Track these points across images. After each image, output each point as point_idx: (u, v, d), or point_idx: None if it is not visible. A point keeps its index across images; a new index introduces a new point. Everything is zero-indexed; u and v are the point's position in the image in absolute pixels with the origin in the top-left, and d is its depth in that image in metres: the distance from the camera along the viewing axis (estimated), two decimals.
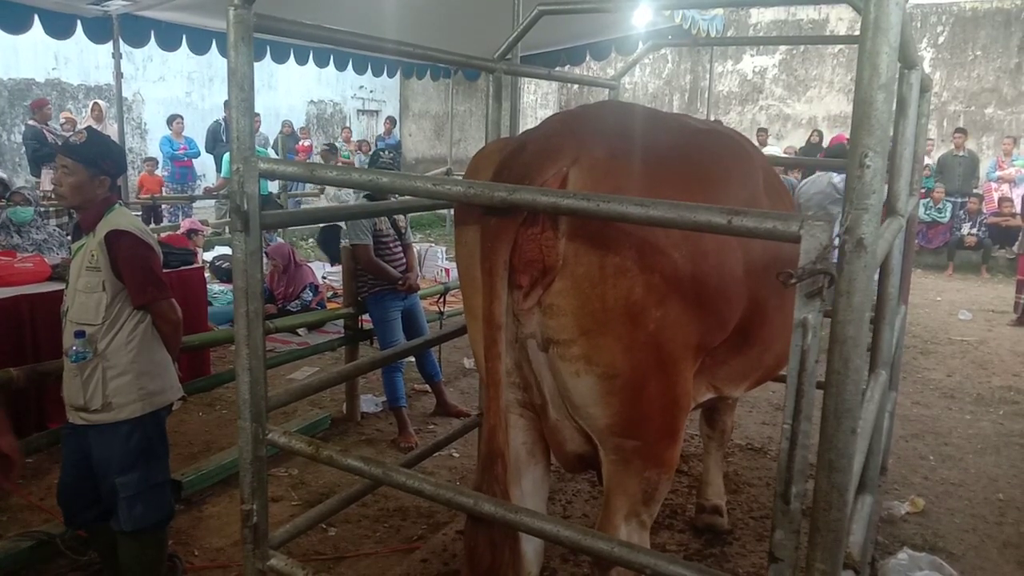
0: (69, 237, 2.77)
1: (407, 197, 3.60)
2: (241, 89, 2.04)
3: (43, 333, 4.36)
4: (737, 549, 3.39)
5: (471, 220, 2.28)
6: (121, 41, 7.00)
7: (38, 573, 3.21)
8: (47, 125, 9.26)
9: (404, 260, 4.90)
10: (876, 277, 1.93)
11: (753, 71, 15.25)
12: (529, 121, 15.15)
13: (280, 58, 7.93)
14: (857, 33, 1.46)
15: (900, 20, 1.40)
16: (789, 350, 2.57)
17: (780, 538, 1.50)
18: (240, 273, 2.07)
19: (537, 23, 3.12)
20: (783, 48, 14.91)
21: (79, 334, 2.66)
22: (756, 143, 2.96)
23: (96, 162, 2.74)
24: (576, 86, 16.23)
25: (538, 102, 16.98)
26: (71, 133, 2.95)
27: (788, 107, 15.05)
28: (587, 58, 8.65)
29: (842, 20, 14.14)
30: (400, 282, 4.76)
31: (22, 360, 3.93)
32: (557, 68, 7.99)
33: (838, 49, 14.42)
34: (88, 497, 2.88)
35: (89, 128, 2.90)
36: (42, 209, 6.68)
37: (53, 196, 2.86)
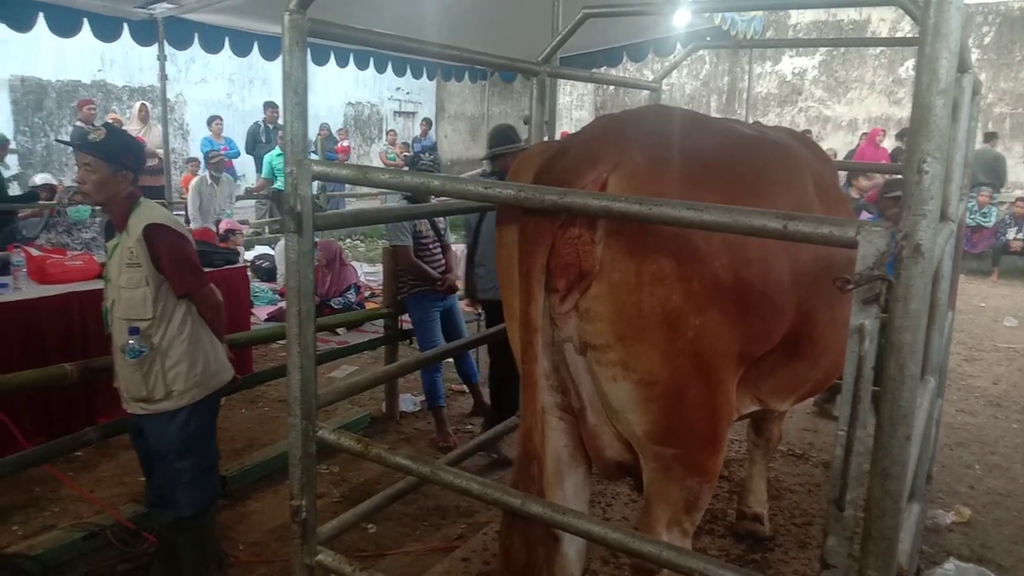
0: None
1: (449, 199, 3.64)
2: (295, 93, 2.08)
3: (92, 329, 4.46)
4: (779, 555, 3.36)
5: (511, 222, 2.29)
6: (166, 43, 7.15)
7: (89, 563, 3.29)
8: (93, 126, 9.47)
9: (443, 261, 4.94)
10: None
11: (792, 72, 15.07)
12: (564, 122, 15.13)
13: (321, 60, 8.04)
14: (899, 35, 1.45)
15: (960, 25, 1.38)
16: (839, 364, 2.56)
17: (833, 544, 1.49)
18: (293, 273, 2.11)
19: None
20: (823, 49, 14.73)
21: (133, 330, 2.72)
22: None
23: (117, 158, 2.77)
24: (612, 87, 16.19)
25: (573, 103, 16.96)
26: (90, 130, 3.00)
27: (828, 109, 14.86)
28: (624, 60, 8.65)
29: (884, 21, 13.92)
30: (439, 283, 4.80)
31: (72, 355, 4.04)
32: (594, 70, 7.98)
33: (879, 50, 14.21)
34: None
35: (107, 124, 2.96)
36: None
37: (80, 194, 2.90)
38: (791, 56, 14.98)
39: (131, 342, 2.72)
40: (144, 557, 3.27)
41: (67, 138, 11.09)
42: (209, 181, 8.82)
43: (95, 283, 4.66)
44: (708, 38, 7.78)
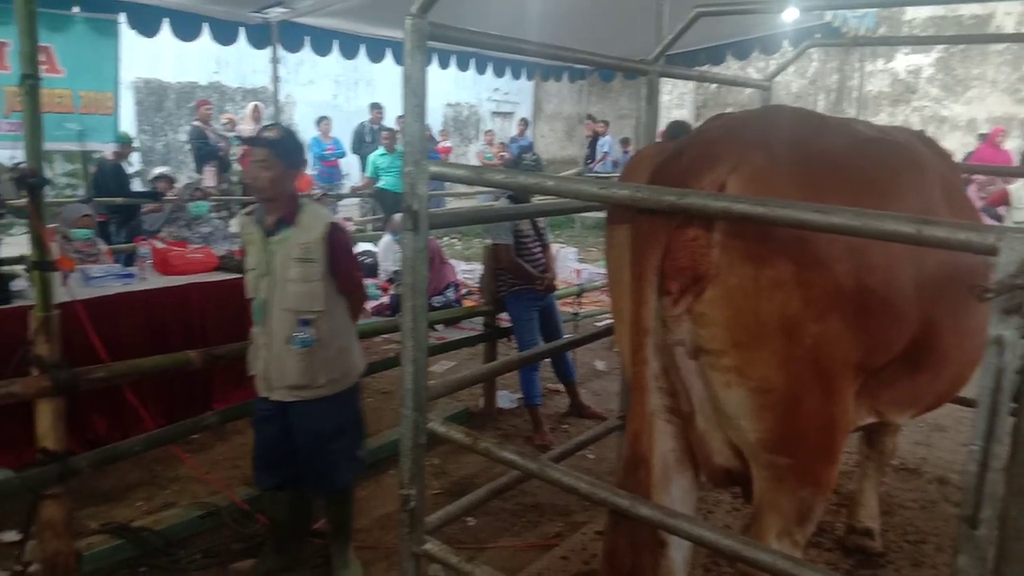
0: (251, 230, 2.95)
1: (551, 198, 3.67)
2: (415, 95, 2.13)
3: (211, 319, 4.71)
4: (891, 573, 3.23)
5: (623, 221, 2.28)
6: (279, 46, 7.46)
7: (205, 540, 3.46)
8: (209, 125, 9.94)
9: (543, 260, 4.96)
10: None
11: (906, 70, 14.40)
12: (663, 121, 14.86)
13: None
14: None
15: None
16: (963, 376, 2.45)
17: (964, 564, 1.43)
18: (408, 270, 2.17)
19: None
20: (939, 45, 14.02)
21: (304, 322, 2.88)
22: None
23: (290, 156, 2.94)
24: (713, 86, 15.88)
25: (673, 102, 16.70)
26: (263, 127, 3.15)
27: (945, 108, 14.13)
28: (727, 58, 8.47)
29: (1009, 15, 13.13)
30: (539, 281, 4.83)
31: (192, 343, 4.26)
32: (696, 68, 7.86)
33: (1003, 46, 13.41)
34: (288, 462, 3.12)
35: (278, 124, 3.12)
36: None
37: (252, 189, 3.04)
38: (905, 53, 14.31)
39: (301, 334, 2.88)
40: (256, 538, 3.42)
41: (185, 137, 11.73)
42: None
43: (213, 275, 4.93)
44: (818, 35, 7.53)
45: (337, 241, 2.94)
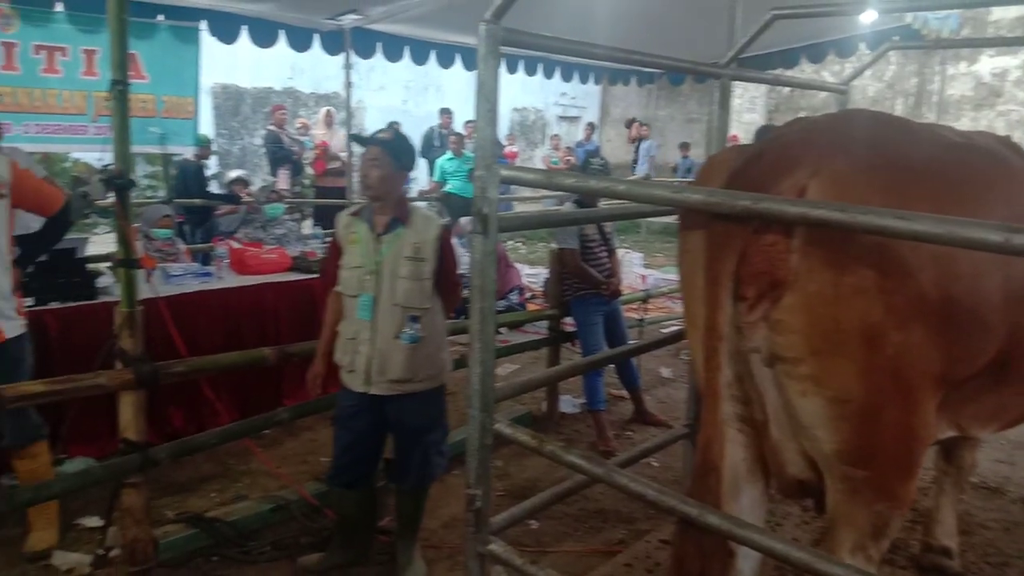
0: (356, 229, 3.03)
1: (621, 202, 3.64)
2: (487, 100, 2.15)
3: (284, 317, 4.83)
4: None
5: (697, 226, 2.26)
6: (352, 52, 7.61)
7: (275, 533, 3.54)
8: (283, 129, 10.20)
9: (608, 265, 4.94)
10: None
11: (991, 73, 13.82)
12: (734, 126, 14.66)
13: None
14: None
15: None
16: None
17: None
18: (477, 272, 2.20)
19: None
20: None
21: (414, 318, 2.99)
22: None
23: (401, 157, 3.04)
24: (787, 90, 15.55)
25: (744, 106, 16.41)
26: (379, 130, 3.28)
27: None
28: (800, 61, 8.28)
29: None
30: (604, 286, 4.81)
31: (265, 340, 4.38)
32: (768, 71, 7.71)
33: None
34: (369, 458, 3.23)
35: (393, 127, 3.23)
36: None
37: (363, 186, 3.15)
38: (990, 55, 13.74)
39: (409, 329, 2.99)
40: (324, 532, 3.49)
41: (260, 141, 12.07)
42: None
43: (287, 275, 5.06)
44: (896, 38, 7.28)
45: (448, 243, 3.10)
